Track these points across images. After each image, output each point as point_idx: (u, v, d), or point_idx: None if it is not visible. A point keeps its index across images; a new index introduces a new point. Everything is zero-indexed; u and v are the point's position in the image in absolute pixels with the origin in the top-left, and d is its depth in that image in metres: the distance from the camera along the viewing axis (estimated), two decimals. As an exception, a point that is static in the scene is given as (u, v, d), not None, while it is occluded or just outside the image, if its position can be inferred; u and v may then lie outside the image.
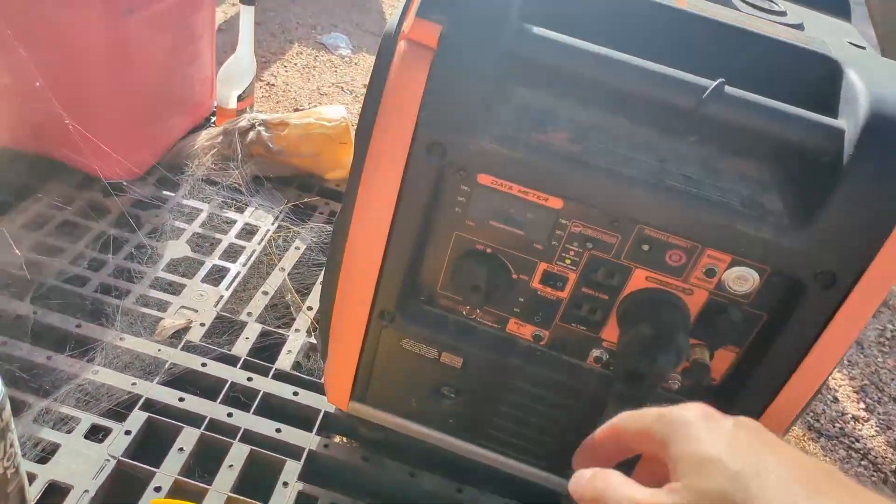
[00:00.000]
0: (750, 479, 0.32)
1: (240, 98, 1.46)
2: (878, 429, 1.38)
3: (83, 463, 0.79)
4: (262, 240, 1.21)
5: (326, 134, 1.34)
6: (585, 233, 0.62)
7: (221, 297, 1.07)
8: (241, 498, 0.79)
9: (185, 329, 1.00)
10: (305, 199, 1.33)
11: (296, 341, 1.03)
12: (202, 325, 1.01)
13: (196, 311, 1.03)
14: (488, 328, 0.71)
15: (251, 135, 1.34)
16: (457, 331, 0.71)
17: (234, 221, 1.24)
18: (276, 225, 1.25)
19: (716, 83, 0.55)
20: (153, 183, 1.27)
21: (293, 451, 0.86)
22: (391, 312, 0.72)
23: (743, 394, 0.65)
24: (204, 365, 0.94)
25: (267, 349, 1.01)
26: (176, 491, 0.79)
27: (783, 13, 0.70)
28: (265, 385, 0.94)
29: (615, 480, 0.37)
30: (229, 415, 0.88)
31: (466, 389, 0.75)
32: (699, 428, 0.36)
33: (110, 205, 1.20)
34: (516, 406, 0.75)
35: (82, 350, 0.92)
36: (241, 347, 0.99)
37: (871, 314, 0.59)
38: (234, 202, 1.28)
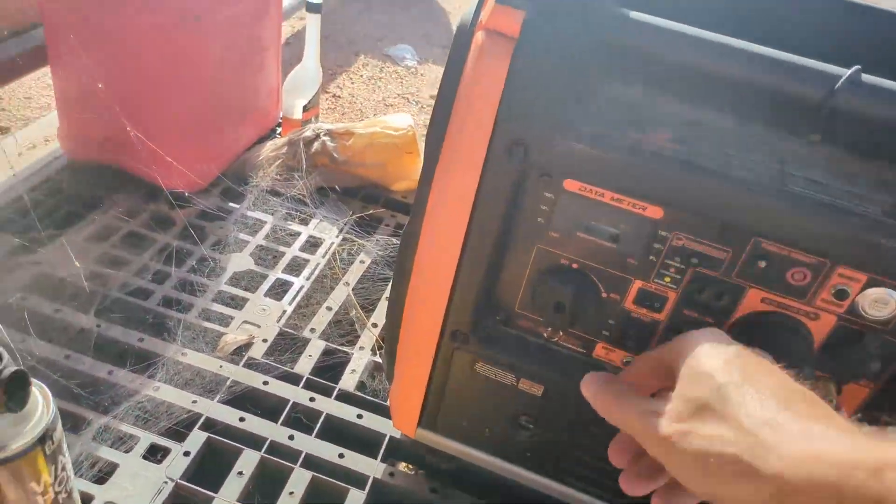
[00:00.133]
0: (732, 390, 0.37)
1: (305, 108, 1.43)
2: None
3: (141, 485, 0.76)
4: (326, 253, 1.17)
5: (392, 143, 1.30)
6: (689, 246, 0.54)
7: (284, 312, 1.03)
8: (302, 529, 0.74)
9: (248, 345, 0.96)
10: (371, 211, 1.28)
11: (360, 360, 0.98)
12: (264, 341, 0.97)
13: (258, 326, 0.99)
14: (573, 353, 0.63)
15: (316, 145, 1.30)
16: (537, 355, 0.64)
17: (298, 234, 1.20)
18: (340, 237, 1.21)
19: (851, 70, 0.46)
20: (218, 194, 1.25)
21: (357, 479, 0.80)
22: (464, 333, 0.65)
23: (876, 435, 0.55)
24: (266, 383, 0.90)
25: (330, 368, 0.96)
26: (234, 518, 0.74)
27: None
28: (328, 406, 0.88)
29: (622, 388, 0.45)
30: (291, 437, 0.83)
31: (547, 420, 0.68)
32: (704, 348, 0.41)
33: (176, 216, 1.18)
34: (603, 440, 0.67)
35: (144, 365, 0.89)
36: (304, 365, 0.94)
37: None
38: (298, 214, 1.24)
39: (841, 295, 0.51)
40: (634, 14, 0.50)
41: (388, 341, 0.76)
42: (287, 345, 0.98)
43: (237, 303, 1.03)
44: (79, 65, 1.07)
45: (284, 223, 1.22)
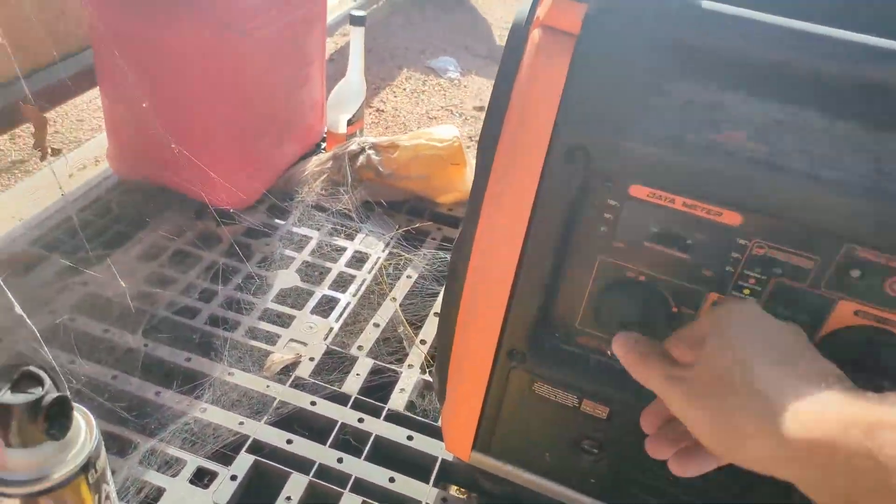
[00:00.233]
0: (753, 358, 0.39)
1: (349, 122, 1.42)
2: None
3: (187, 510, 0.73)
4: (372, 268, 1.14)
5: (438, 155, 1.27)
6: (772, 255, 0.49)
7: (331, 329, 1.01)
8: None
9: (294, 364, 0.93)
10: (417, 225, 1.25)
11: (409, 378, 0.94)
12: (311, 359, 0.94)
13: (305, 344, 0.97)
14: (640, 372, 0.59)
15: (361, 159, 1.28)
16: (601, 374, 0.60)
17: (344, 249, 1.18)
18: (386, 252, 1.18)
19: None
20: (264, 211, 1.24)
21: (408, 505, 0.77)
22: (521, 352, 0.62)
23: None
24: (313, 404, 0.87)
25: (379, 387, 0.93)
26: (282, 546, 0.72)
27: None
28: (377, 427, 0.85)
29: (650, 350, 0.46)
30: (339, 460, 0.80)
31: (613, 444, 0.63)
32: (733, 317, 0.43)
33: (222, 234, 1.17)
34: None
35: (191, 386, 0.87)
36: (352, 385, 0.91)
37: None
38: (344, 229, 1.22)
39: (949, 307, 0.46)
40: (706, 3, 0.46)
41: (440, 360, 0.73)
42: (334, 363, 0.95)
43: (284, 320, 1.01)
44: (126, 84, 1.07)
45: (330, 238, 1.20)
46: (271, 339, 0.98)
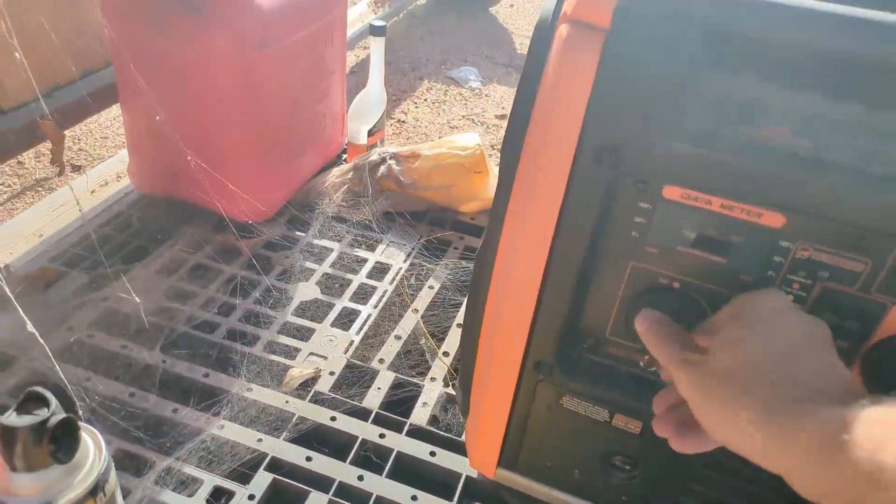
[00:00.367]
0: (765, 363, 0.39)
1: (370, 132, 1.40)
2: None
3: (204, 531, 0.71)
4: (393, 279, 1.12)
5: (460, 163, 1.24)
6: (817, 258, 0.46)
7: (352, 342, 0.98)
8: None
9: (314, 378, 0.91)
10: (439, 234, 1.23)
11: (432, 392, 0.92)
12: (331, 373, 0.92)
13: (325, 358, 0.95)
14: (676, 384, 0.55)
15: (382, 169, 1.27)
16: (634, 387, 0.57)
17: (365, 260, 1.16)
18: (408, 263, 1.16)
19: None
20: (284, 223, 1.22)
21: (432, 524, 0.74)
22: (548, 364, 0.59)
23: None
24: (333, 419, 0.85)
25: (401, 402, 0.91)
26: (302, 568, 0.69)
27: None
28: (399, 443, 0.83)
29: (677, 330, 0.46)
30: (360, 478, 0.78)
31: (647, 461, 0.60)
32: (758, 317, 0.42)
33: (243, 246, 1.15)
34: (712, 484, 0.59)
35: (209, 403, 0.85)
36: (373, 399, 0.89)
37: None
38: (364, 240, 1.20)
39: None
40: (743, -8, 0.43)
41: (463, 373, 0.70)
42: (355, 377, 0.93)
43: (303, 334, 0.99)
44: (146, 99, 1.06)
45: (351, 250, 1.18)
46: (291, 353, 0.96)
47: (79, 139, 1.80)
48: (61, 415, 0.45)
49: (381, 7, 2.64)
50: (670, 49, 0.44)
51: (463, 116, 2.12)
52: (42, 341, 0.63)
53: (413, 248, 1.19)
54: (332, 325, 1.02)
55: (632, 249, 0.51)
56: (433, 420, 0.88)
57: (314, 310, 1.04)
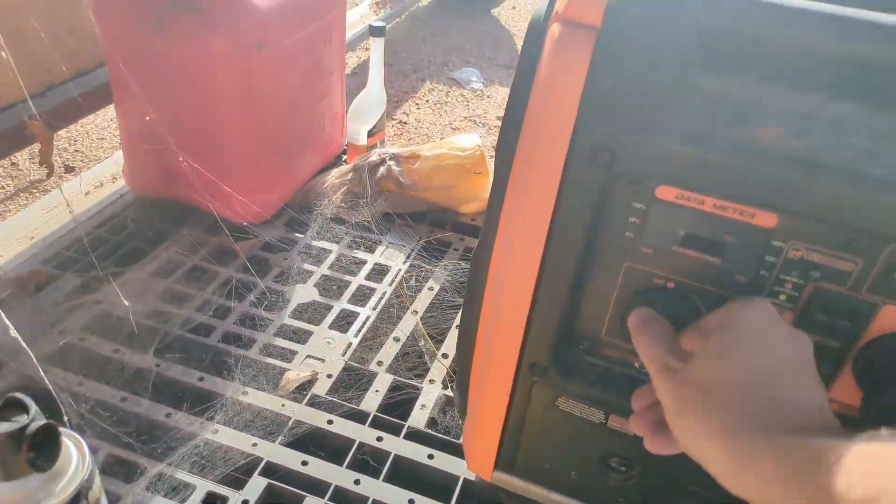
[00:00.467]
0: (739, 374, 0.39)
1: (370, 133, 1.40)
2: None
3: (198, 537, 0.71)
4: (393, 281, 1.11)
5: (460, 164, 1.24)
6: (809, 258, 0.45)
7: (350, 344, 0.98)
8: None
9: (311, 381, 0.91)
10: (438, 235, 1.22)
11: (430, 394, 0.91)
12: (329, 376, 0.92)
13: (322, 360, 0.94)
14: (671, 386, 0.55)
15: (381, 170, 1.26)
16: (629, 388, 0.56)
17: (364, 262, 1.15)
18: (407, 264, 1.16)
19: None
20: (282, 225, 1.22)
21: (429, 528, 0.73)
22: (543, 365, 0.58)
23: None
24: (330, 422, 0.84)
25: (399, 404, 0.90)
26: (297, 573, 0.69)
27: None
28: (397, 446, 0.82)
29: (667, 333, 0.46)
30: (357, 482, 0.77)
31: (643, 462, 0.60)
32: (743, 331, 0.41)
33: (240, 248, 1.15)
34: (708, 485, 0.58)
35: (203, 407, 0.85)
36: (371, 402, 0.89)
37: None
38: (364, 241, 1.20)
39: None
40: (735, -12, 0.43)
41: (460, 375, 0.70)
42: (353, 380, 0.92)
43: (300, 336, 0.99)
44: (141, 100, 1.06)
45: (350, 251, 1.17)
46: (288, 356, 0.95)
47: (75, 140, 1.80)
48: (41, 421, 0.44)
49: (382, 8, 2.64)
50: (662, 48, 0.44)
51: (465, 118, 2.11)
52: (25, 345, 0.63)
53: (412, 250, 1.19)
54: (331, 327, 1.01)
55: (626, 250, 0.51)
56: (432, 422, 0.88)
57: (312, 312, 1.04)
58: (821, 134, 0.43)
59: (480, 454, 0.69)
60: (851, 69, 0.42)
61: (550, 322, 0.56)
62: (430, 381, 0.94)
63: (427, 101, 2.20)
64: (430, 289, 1.11)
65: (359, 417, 0.86)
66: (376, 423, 0.85)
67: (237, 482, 0.76)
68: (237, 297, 1.03)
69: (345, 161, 1.44)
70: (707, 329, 0.44)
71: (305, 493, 0.75)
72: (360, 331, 1.01)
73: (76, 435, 0.50)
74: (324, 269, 1.13)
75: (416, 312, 1.06)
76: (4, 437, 0.43)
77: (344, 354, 0.96)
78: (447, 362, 0.97)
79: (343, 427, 0.84)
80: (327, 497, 0.75)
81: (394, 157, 1.28)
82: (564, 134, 0.48)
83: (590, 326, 0.56)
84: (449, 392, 0.92)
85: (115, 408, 0.83)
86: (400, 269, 1.14)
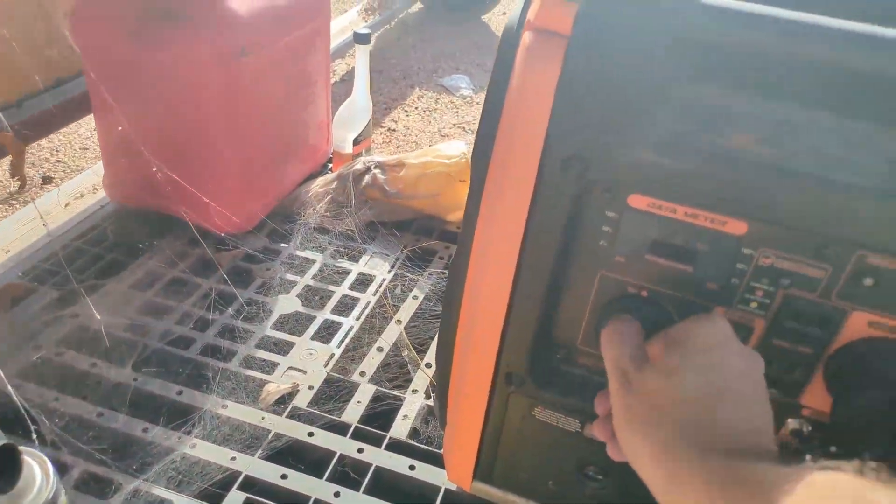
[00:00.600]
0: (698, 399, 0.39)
1: (356, 141, 1.39)
2: None
3: (173, 555, 0.70)
4: (377, 290, 1.11)
5: (446, 172, 1.24)
6: (779, 265, 0.45)
7: (332, 355, 0.97)
8: None
9: (292, 393, 0.90)
10: (423, 244, 1.22)
11: (413, 404, 0.91)
12: (310, 388, 0.91)
13: (304, 372, 0.94)
14: (647, 395, 0.54)
15: (367, 178, 1.26)
16: (604, 398, 0.56)
17: (349, 272, 1.15)
18: (392, 273, 1.15)
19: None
20: (265, 235, 1.21)
21: (409, 540, 0.73)
22: (520, 375, 0.58)
23: None
24: (311, 435, 0.84)
25: (381, 415, 0.89)
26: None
27: None
28: (378, 458, 0.81)
29: (634, 341, 0.45)
30: (336, 494, 0.76)
31: (618, 471, 0.59)
32: (708, 351, 0.41)
33: (222, 259, 1.14)
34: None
35: (181, 421, 0.83)
36: (353, 413, 0.88)
37: None
38: (347, 251, 1.19)
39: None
40: (706, -3, 0.42)
41: (440, 385, 0.69)
42: (334, 391, 0.91)
43: (282, 348, 0.98)
44: (117, 109, 1.05)
45: (334, 261, 1.17)
46: (268, 368, 0.94)
47: (57, 150, 1.79)
48: (0, 441, 0.43)
49: (371, 15, 2.64)
50: (633, 56, 0.44)
51: (454, 125, 2.11)
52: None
53: (397, 259, 1.18)
54: (313, 338, 1.00)
55: (600, 258, 0.50)
56: (414, 433, 0.87)
57: (294, 323, 1.03)
58: (790, 140, 0.43)
59: (459, 464, 0.68)
60: (824, 76, 0.42)
61: (526, 331, 0.55)
62: (412, 391, 0.93)
63: (416, 107, 2.19)
64: (415, 297, 1.10)
65: (340, 429, 0.85)
66: (358, 435, 0.85)
67: (215, 497, 0.75)
68: (218, 309, 1.02)
69: (330, 169, 1.43)
70: (668, 341, 0.44)
71: (284, 508, 0.74)
72: (342, 341, 1.00)
73: (40, 454, 0.49)
74: (307, 280, 1.12)
75: (399, 322, 1.05)
76: (-40, 459, 0.42)
77: (326, 365, 0.95)
78: (430, 372, 0.97)
79: (324, 439, 0.83)
80: (306, 510, 0.74)
81: (379, 165, 1.27)
82: (537, 142, 0.47)
83: (566, 335, 0.56)
84: (431, 402, 0.92)
85: (92, 423, 0.82)
86: (384, 279, 1.14)
